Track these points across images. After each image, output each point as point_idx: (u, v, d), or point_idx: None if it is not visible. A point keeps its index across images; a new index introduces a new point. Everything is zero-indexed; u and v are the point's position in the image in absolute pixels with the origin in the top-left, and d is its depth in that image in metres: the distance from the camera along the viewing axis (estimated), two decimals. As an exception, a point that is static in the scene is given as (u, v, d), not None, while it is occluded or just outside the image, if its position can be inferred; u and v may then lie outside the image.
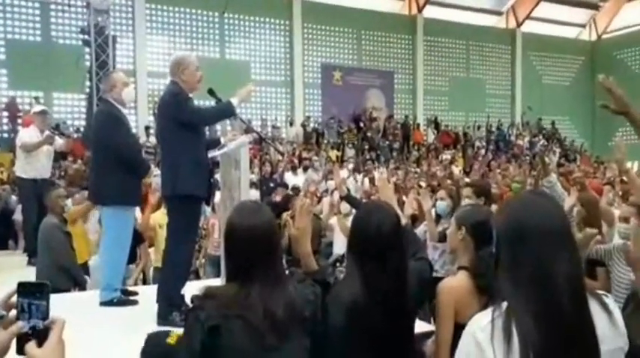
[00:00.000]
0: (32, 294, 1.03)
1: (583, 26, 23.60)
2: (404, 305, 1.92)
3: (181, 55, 3.77)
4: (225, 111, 3.62)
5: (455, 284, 2.12)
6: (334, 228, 6.31)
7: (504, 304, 1.21)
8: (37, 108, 6.49)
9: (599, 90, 2.10)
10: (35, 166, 6.04)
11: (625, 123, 2.12)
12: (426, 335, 2.44)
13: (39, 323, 1.02)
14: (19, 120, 13.09)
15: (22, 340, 1.01)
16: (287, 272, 1.91)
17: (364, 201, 4.95)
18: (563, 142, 20.85)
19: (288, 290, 1.69)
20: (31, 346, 1.00)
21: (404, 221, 2.27)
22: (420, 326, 2.53)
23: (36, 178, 6.05)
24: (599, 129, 22.15)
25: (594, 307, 1.24)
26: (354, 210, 5.32)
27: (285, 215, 5.78)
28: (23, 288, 1.04)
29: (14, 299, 1.04)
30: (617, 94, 2.03)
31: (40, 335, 1.01)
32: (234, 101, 3.53)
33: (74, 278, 4.77)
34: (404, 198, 5.51)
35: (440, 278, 2.33)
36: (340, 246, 5.86)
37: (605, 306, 1.27)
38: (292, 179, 10.01)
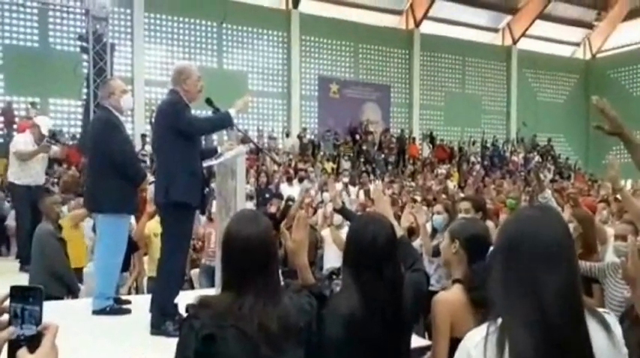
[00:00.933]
0: (25, 299, 1.00)
1: (578, 45, 23.87)
2: (401, 316, 1.91)
3: (184, 64, 3.80)
4: (223, 122, 3.64)
5: (450, 298, 2.11)
6: (326, 239, 6.29)
7: (500, 320, 1.20)
8: (43, 127, 6.28)
9: (593, 109, 2.11)
10: (29, 173, 5.98)
11: (618, 142, 2.13)
12: (422, 349, 2.44)
13: (32, 329, 0.99)
14: (15, 126, 13.03)
15: (13, 346, 0.99)
16: (282, 283, 1.91)
17: (359, 213, 4.95)
18: (558, 160, 20.97)
19: (283, 302, 1.68)
20: (23, 352, 0.97)
21: (400, 233, 2.27)
22: (415, 341, 2.53)
23: (30, 185, 5.98)
24: (593, 147, 22.30)
25: (593, 325, 1.22)
26: (346, 222, 5.34)
27: (282, 226, 5.76)
28: (16, 293, 1.01)
29: (7, 303, 1.02)
30: (610, 115, 2.04)
31: (33, 341, 0.99)
32: (232, 111, 3.54)
33: (67, 285, 4.73)
34: (398, 212, 5.51)
35: (435, 293, 2.32)
36: (332, 257, 5.83)
37: (605, 325, 1.25)
38: (288, 190, 9.99)
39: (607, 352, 1.22)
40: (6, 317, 1.01)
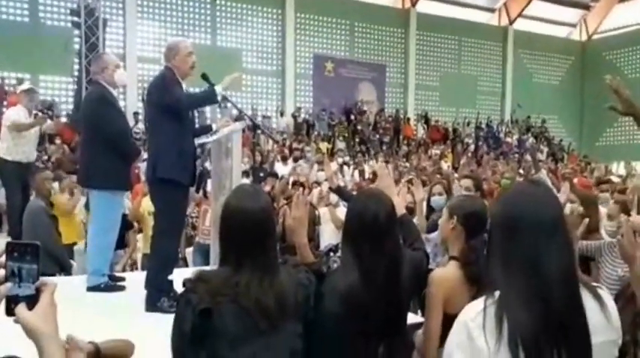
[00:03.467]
0: (22, 257, 0.99)
1: (574, 26, 23.75)
2: (399, 293, 1.92)
3: (175, 40, 3.78)
4: (208, 98, 3.61)
5: (445, 274, 2.13)
6: (322, 217, 6.30)
7: (497, 293, 1.21)
8: (24, 86, 6.27)
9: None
10: (22, 149, 5.82)
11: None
12: (415, 326, 2.44)
13: (30, 288, 0.99)
14: (5, 102, 12.85)
15: (11, 302, 0.98)
16: (281, 259, 1.90)
17: (355, 192, 4.95)
18: (552, 141, 21.00)
19: (280, 277, 1.68)
20: (21, 308, 0.97)
21: (401, 210, 2.27)
22: (410, 318, 2.53)
23: (21, 161, 5.86)
24: (587, 128, 22.37)
25: (587, 298, 1.24)
26: (342, 202, 5.34)
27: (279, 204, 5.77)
28: (12, 249, 1.00)
29: (2, 259, 1.00)
30: (624, 96, 2.01)
31: (31, 298, 0.98)
32: (218, 88, 3.51)
33: (60, 262, 4.71)
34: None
35: (430, 270, 2.32)
36: (329, 235, 5.87)
37: (598, 298, 1.27)
38: (282, 169, 9.97)
39: (601, 325, 1.24)
40: (2, 272, 0.99)
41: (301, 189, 6.50)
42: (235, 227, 1.68)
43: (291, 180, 8.12)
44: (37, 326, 0.96)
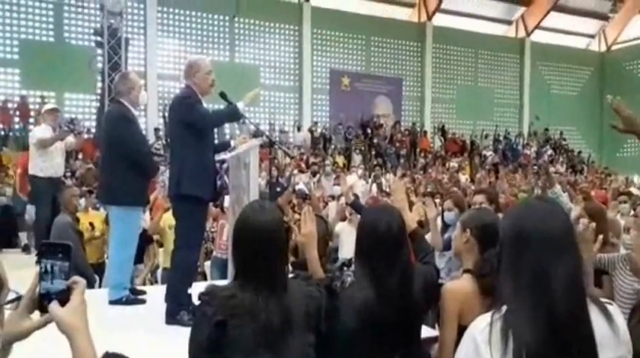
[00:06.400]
0: (55, 255, 1.06)
1: (593, 37, 23.53)
2: (412, 305, 1.95)
3: (195, 58, 3.84)
4: (231, 116, 3.71)
5: (459, 287, 2.13)
6: (340, 234, 6.29)
7: (504, 307, 1.23)
8: (48, 106, 6.52)
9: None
10: (51, 164, 6.02)
11: (634, 137, 2.15)
12: (432, 340, 2.47)
13: (62, 284, 1.05)
14: (31, 120, 13.20)
15: (45, 300, 1.05)
16: (292, 274, 1.94)
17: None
18: (571, 153, 20.67)
19: (288, 290, 1.71)
20: (54, 305, 1.04)
21: (413, 225, 2.31)
22: (425, 331, 2.56)
23: (52, 176, 6.03)
24: (608, 140, 22.03)
25: (595, 313, 1.25)
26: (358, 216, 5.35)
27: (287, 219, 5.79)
28: (46, 248, 1.07)
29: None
30: (625, 114, 2.06)
31: (63, 296, 1.04)
32: (240, 105, 3.59)
33: (84, 276, 4.81)
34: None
35: (441, 285, 2.35)
36: (347, 250, 5.85)
37: (606, 313, 1.28)
38: (299, 184, 10.04)
39: (609, 340, 1.25)
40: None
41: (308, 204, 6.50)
42: (245, 241, 1.73)
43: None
44: (69, 321, 1.03)
